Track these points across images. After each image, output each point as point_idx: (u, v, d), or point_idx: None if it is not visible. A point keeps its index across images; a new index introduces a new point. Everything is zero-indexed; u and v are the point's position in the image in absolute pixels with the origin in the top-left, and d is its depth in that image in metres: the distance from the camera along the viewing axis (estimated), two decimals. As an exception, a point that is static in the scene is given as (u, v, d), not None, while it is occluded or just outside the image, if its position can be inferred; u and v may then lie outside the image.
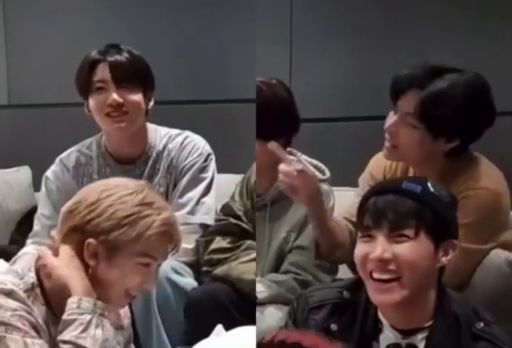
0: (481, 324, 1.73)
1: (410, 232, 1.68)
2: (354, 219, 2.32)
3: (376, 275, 1.69)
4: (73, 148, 2.72)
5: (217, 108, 3.37)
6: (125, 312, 1.91)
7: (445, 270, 1.78)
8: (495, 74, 3.06)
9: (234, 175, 2.82)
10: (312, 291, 1.88)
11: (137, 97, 2.57)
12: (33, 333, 1.65)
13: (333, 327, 1.78)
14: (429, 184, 1.74)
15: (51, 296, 1.73)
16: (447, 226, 1.74)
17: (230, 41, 3.34)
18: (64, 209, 1.76)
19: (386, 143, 2.22)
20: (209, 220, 2.59)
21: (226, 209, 2.58)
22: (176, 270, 2.49)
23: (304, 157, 2.57)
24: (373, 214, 1.70)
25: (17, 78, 3.60)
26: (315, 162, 2.55)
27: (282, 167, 2.16)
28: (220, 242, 2.52)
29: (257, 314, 2.27)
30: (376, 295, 1.70)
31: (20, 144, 3.44)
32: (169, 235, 1.75)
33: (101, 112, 2.57)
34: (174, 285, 2.45)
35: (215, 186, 2.65)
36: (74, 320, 1.64)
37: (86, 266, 1.73)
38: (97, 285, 1.72)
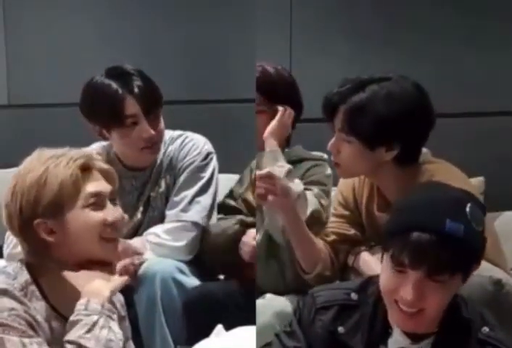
0: (487, 329, 1.71)
1: (445, 277, 1.62)
2: (329, 238, 2.34)
3: (402, 307, 1.66)
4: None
5: (217, 108, 3.37)
6: (121, 303, 1.91)
7: None
8: (494, 74, 3.08)
9: (234, 175, 2.82)
10: (319, 291, 1.84)
11: (162, 124, 2.58)
12: (30, 332, 1.66)
13: (341, 330, 1.76)
14: (469, 216, 1.63)
15: (49, 292, 1.74)
16: (480, 258, 1.69)
17: (230, 41, 3.34)
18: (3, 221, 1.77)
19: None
20: (202, 219, 2.58)
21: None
22: (181, 270, 2.49)
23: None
24: (411, 254, 1.61)
25: (17, 78, 3.61)
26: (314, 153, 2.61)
27: (259, 172, 2.17)
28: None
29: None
30: (399, 320, 1.69)
31: (20, 144, 3.43)
32: (87, 165, 1.76)
33: (137, 147, 2.54)
34: (179, 285, 2.45)
35: (214, 185, 2.65)
36: (80, 321, 1.66)
37: (48, 246, 1.73)
38: (74, 250, 1.73)
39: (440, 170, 2.19)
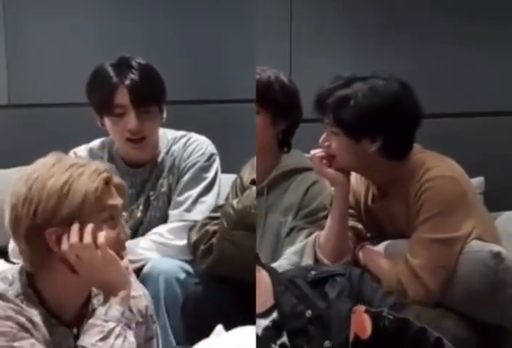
0: (312, 272, 1.91)
1: None
2: None
3: None
4: (85, 147, 2.73)
5: (217, 108, 3.37)
6: (137, 308, 1.86)
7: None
8: (494, 74, 3.08)
9: (234, 175, 2.82)
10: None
11: (154, 121, 2.60)
12: (23, 334, 1.62)
13: None
14: None
15: (48, 299, 1.71)
16: None
17: (230, 41, 3.34)
18: (6, 222, 1.69)
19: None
20: None
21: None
22: (185, 269, 2.50)
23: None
24: None
25: (17, 78, 3.60)
26: None
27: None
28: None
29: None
30: None
31: (20, 144, 3.44)
32: (109, 179, 1.70)
33: (121, 136, 2.59)
34: (183, 285, 2.46)
35: (217, 187, 2.66)
36: (96, 326, 1.64)
37: (52, 256, 1.67)
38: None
39: (430, 157, 2.29)
